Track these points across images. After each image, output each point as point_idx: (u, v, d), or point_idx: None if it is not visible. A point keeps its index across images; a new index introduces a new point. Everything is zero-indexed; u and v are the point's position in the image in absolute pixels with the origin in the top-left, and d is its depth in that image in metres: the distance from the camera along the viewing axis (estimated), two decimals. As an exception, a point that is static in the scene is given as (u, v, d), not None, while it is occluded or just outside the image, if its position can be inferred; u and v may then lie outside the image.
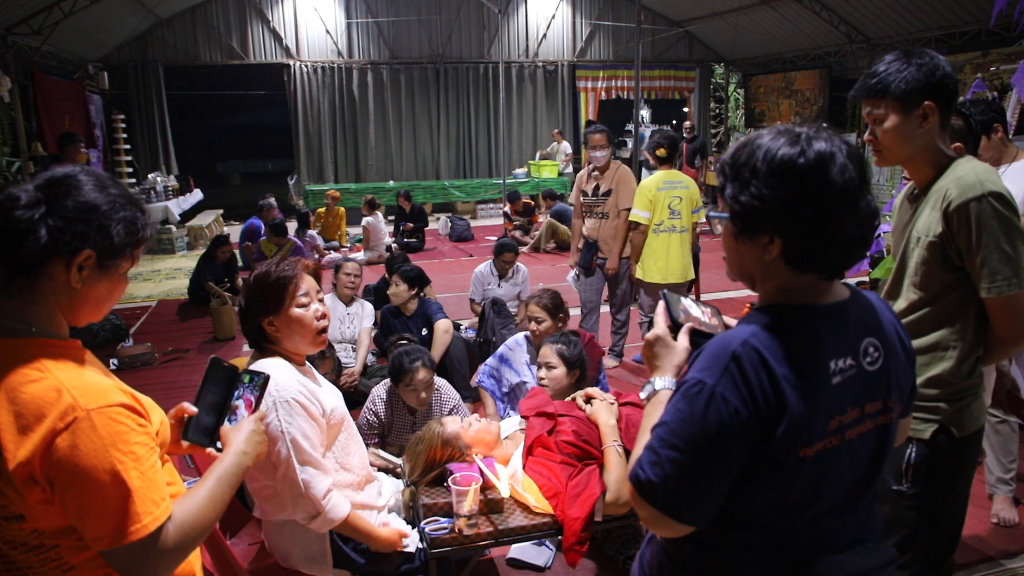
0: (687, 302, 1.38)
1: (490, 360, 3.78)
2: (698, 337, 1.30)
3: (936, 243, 1.79)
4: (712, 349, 1.15)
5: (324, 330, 2.07)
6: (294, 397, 1.95)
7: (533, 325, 3.60)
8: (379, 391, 3.36)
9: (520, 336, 3.78)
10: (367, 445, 3.09)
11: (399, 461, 2.94)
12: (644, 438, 1.21)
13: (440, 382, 3.40)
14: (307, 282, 2.06)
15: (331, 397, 2.14)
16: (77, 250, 1.16)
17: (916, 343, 1.85)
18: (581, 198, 5.25)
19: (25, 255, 1.14)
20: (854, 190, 1.12)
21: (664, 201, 4.87)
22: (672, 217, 4.89)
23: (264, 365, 2.01)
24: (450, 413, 3.30)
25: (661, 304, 1.34)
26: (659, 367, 1.30)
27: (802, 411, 1.11)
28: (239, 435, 1.39)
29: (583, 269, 5.25)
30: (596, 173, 5.17)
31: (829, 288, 1.21)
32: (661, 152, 5.09)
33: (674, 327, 1.32)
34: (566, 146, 14.16)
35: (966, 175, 1.75)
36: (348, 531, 2.06)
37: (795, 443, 1.11)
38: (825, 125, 1.19)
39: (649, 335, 1.32)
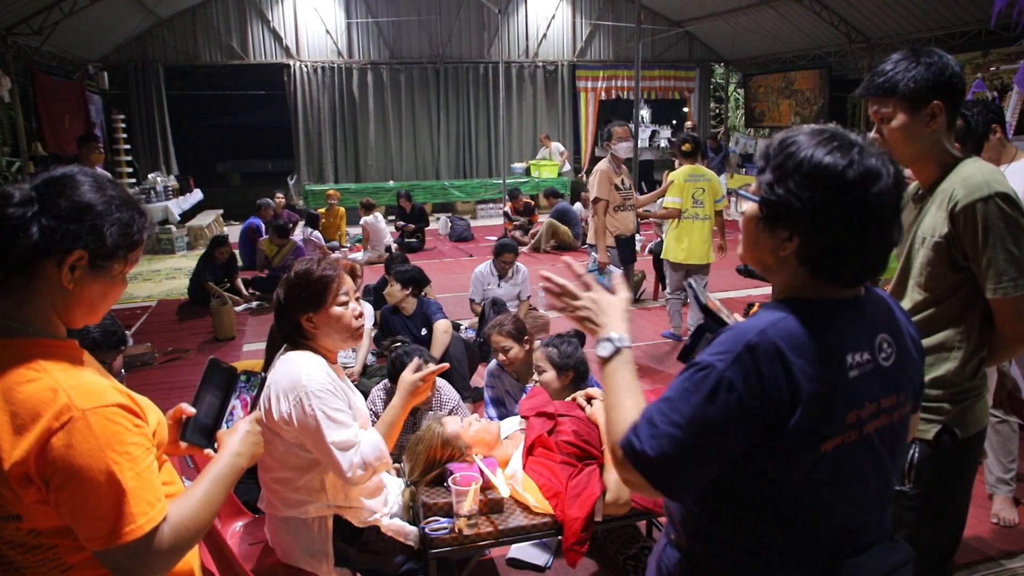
0: (711, 295, 1.42)
1: (488, 411, 3.61)
2: (714, 322, 1.31)
3: (942, 244, 1.78)
4: (728, 336, 1.14)
5: (361, 327, 2.14)
6: (325, 387, 2.00)
7: (502, 356, 3.48)
8: (378, 391, 3.36)
9: (492, 366, 3.66)
10: None
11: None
12: (624, 400, 1.21)
13: (440, 382, 3.39)
14: (347, 282, 2.12)
15: (356, 399, 2.19)
16: (69, 250, 1.16)
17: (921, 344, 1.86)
18: (615, 192, 5.25)
19: (17, 253, 1.14)
20: (888, 211, 1.11)
21: (689, 191, 5.44)
22: (695, 206, 5.47)
23: (297, 358, 2.06)
24: (450, 413, 3.30)
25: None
26: (610, 318, 1.31)
27: (818, 403, 1.10)
28: (234, 436, 1.39)
29: (625, 265, 5.34)
30: (619, 168, 5.29)
31: (845, 288, 1.20)
32: (686, 147, 5.58)
33: (703, 310, 1.34)
34: (556, 146, 14.17)
35: (972, 175, 1.74)
36: (392, 433, 2.15)
37: (812, 436, 1.11)
38: (875, 138, 1.18)
39: (594, 294, 1.34)
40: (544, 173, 13.76)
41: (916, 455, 1.86)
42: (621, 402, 1.22)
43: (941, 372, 1.83)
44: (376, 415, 3.29)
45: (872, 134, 1.85)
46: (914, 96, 1.73)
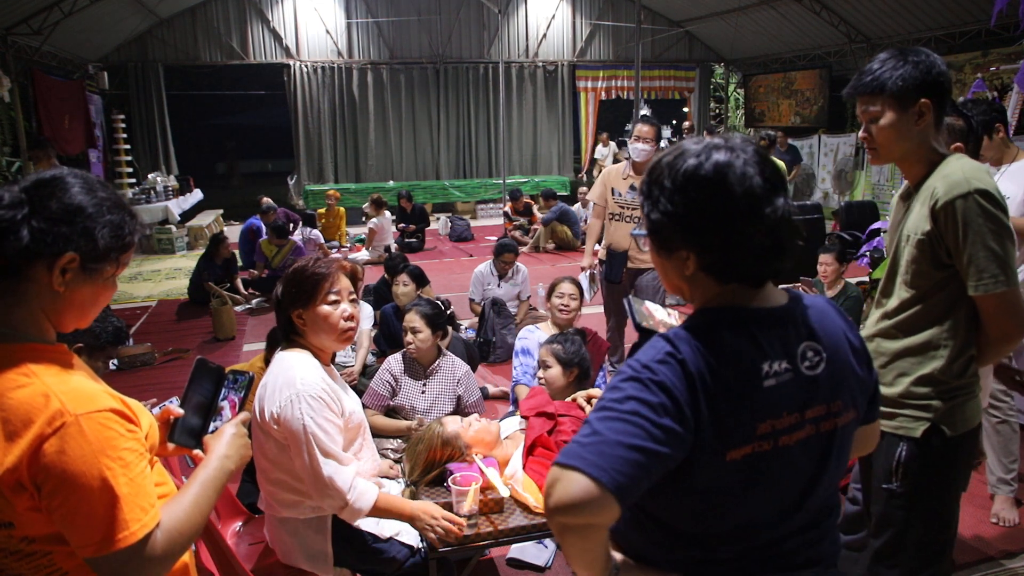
0: (651, 305, 1.41)
1: (518, 361, 3.61)
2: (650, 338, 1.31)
3: (925, 241, 1.78)
4: (652, 344, 1.14)
5: (350, 330, 2.12)
6: (317, 393, 1.99)
7: (557, 300, 3.66)
8: (396, 358, 3.36)
9: (531, 326, 3.76)
10: (369, 408, 3.16)
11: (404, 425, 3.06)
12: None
13: (453, 357, 3.38)
14: (341, 282, 2.11)
15: (350, 400, 2.18)
16: (60, 252, 1.14)
17: (908, 342, 1.85)
18: (610, 197, 4.65)
19: (7, 256, 1.12)
20: (757, 198, 1.10)
21: None
22: None
23: (291, 358, 2.06)
24: (459, 383, 3.29)
25: None
26: None
27: (723, 409, 1.08)
28: (221, 439, 1.38)
29: (609, 283, 4.78)
30: (631, 172, 4.60)
31: (759, 293, 1.18)
32: (762, 143, 5.75)
33: (637, 328, 1.33)
34: (613, 146, 14.12)
35: (953, 172, 1.74)
36: (380, 515, 2.09)
37: (716, 443, 1.08)
38: (736, 133, 1.18)
39: None
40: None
41: (903, 453, 1.85)
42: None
43: (928, 370, 1.82)
44: (395, 378, 3.27)
45: (860, 133, 1.86)
46: (902, 94, 1.73)
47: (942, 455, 1.84)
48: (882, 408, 1.58)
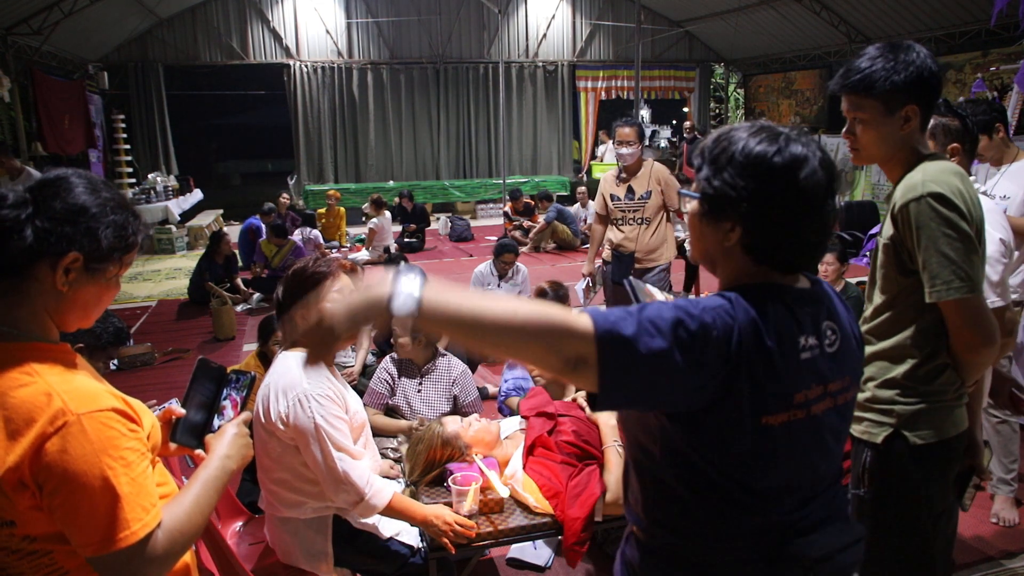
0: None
1: (510, 374, 3.62)
2: None
3: (889, 245, 1.75)
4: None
5: None
6: (325, 392, 2.01)
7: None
8: (393, 356, 3.35)
9: None
10: (370, 406, 3.16)
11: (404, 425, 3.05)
12: (519, 301, 1.05)
13: (451, 357, 3.38)
14: (341, 281, 2.12)
15: (353, 400, 2.19)
16: (63, 252, 1.15)
17: (879, 347, 1.81)
18: (610, 203, 4.67)
19: (11, 255, 1.13)
20: (820, 196, 1.15)
21: None
22: None
23: (296, 359, 2.07)
24: (455, 383, 3.29)
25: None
26: (378, 281, 1.01)
27: (761, 375, 1.11)
28: (222, 440, 1.39)
29: (615, 284, 4.71)
30: (624, 175, 4.62)
31: (789, 276, 1.23)
32: None
33: None
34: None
35: (913, 175, 1.70)
36: (393, 514, 2.10)
37: (755, 406, 1.11)
38: (806, 129, 1.20)
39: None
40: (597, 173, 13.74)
41: (868, 459, 1.81)
42: (517, 304, 1.03)
43: (892, 374, 1.78)
44: (392, 377, 3.27)
45: (844, 132, 1.81)
46: (890, 98, 1.68)
47: (908, 463, 1.76)
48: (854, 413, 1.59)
